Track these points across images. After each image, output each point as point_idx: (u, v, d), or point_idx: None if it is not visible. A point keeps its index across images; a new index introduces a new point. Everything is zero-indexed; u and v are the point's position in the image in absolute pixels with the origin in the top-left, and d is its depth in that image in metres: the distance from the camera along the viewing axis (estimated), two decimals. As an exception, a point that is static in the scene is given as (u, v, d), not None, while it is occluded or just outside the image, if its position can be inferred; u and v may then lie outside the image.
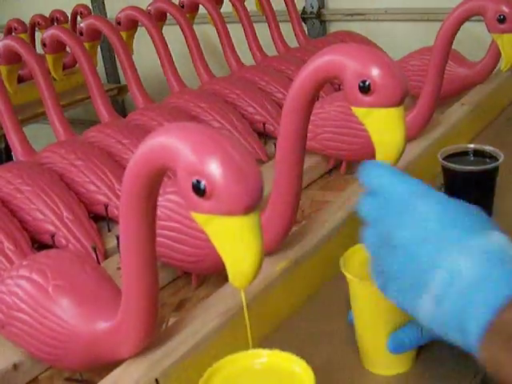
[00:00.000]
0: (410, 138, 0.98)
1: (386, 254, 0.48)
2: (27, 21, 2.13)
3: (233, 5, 1.58)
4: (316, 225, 0.78)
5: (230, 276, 0.44)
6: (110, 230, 0.93)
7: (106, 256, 0.87)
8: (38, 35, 1.84)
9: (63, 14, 2.15)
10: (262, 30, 1.62)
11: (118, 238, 0.80)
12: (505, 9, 0.91)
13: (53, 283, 0.60)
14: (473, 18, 0.95)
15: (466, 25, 0.96)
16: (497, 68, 1.21)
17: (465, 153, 0.83)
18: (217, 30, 1.49)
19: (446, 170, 0.81)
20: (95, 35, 1.30)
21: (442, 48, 0.95)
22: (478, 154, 0.82)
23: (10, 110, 1.08)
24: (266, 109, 1.20)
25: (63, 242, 0.86)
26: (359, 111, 0.57)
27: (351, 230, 0.79)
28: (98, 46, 1.40)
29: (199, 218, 0.43)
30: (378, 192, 0.50)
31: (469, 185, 0.79)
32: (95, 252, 0.84)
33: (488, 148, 0.81)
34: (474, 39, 1.39)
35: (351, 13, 1.89)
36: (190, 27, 1.40)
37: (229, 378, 0.48)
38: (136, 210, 0.49)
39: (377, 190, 0.50)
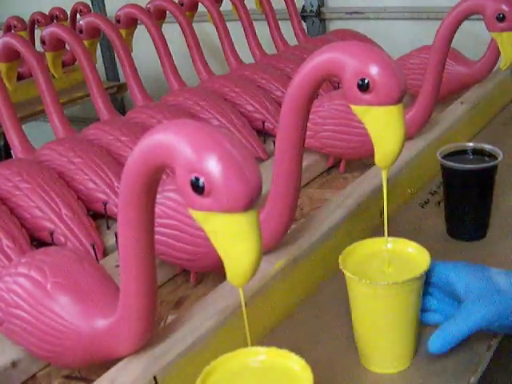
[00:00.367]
0: (409, 136, 0.98)
1: None
2: (27, 18, 2.13)
3: (232, 3, 1.58)
4: (315, 223, 0.78)
5: (229, 274, 0.44)
6: (108, 228, 0.93)
7: (105, 254, 0.87)
8: (38, 33, 1.83)
9: (63, 11, 2.15)
10: (262, 29, 1.62)
11: (116, 236, 0.80)
12: (504, 7, 0.91)
13: (51, 280, 0.60)
14: (472, 17, 0.95)
15: (466, 23, 0.96)
16: (496, 67, 1.21)
17: (464, 151, 0.83)
18: (216, 28, 1.49)
19: (445, 168, 0.81)
20: (95, 33, 1.30)
21: (441, 47, 0.95)
22: (477, 152, 0.82)
23: (9, 107, 1.07)
24: (266, 107, 1.19)
25: (62, 239, 0.86)
26: (358, 109, 0.57)
27: (350, 228, 0.79)
28: (98, 44, 1.39)
29: (197, 215, 0.43)
30: None
31: (468, 183, 0.79)
32: (94, 250, 0.84)
33: (487, 146, 0.82)
34: (473, 38, 1.39)
35: (351, 11, 1.89)
36: (189, 25, 1.40)
37: (227, 376, 0.49)
38: (134, 207, 0.49)
39: None
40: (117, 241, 0.81)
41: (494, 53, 1.16)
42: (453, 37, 0.95)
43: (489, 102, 1.19)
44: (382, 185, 0.60)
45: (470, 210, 0.81)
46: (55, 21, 2.11)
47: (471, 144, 0.83)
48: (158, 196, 0.72)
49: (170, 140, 0.43)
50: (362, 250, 0.63)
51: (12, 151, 1.10)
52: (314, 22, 1.94)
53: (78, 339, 0.58)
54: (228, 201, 0.41)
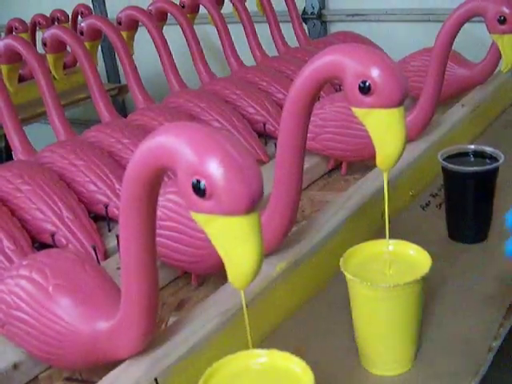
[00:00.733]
0: (410, 139, 0.98)
1: None
2: (28, 20, 2.13)
3: (233, 5, 1.58)
4: (316, 225, 0.78)
5: (230, 276, 0.44)
6: (110, 230, 0.93)
7: (106, 256, 0.87)
8: (39, 35, 1.84)
9: (64, 13, 2.15)
10: (263, 31, 1.62)
11: (118, 238, 0.80)
12: (505, 10, 0.91)
13: (53, 283, 0.60)
14: (473, 19, 0.95)
15: (467, 26, 0.96)
16: (497, 69, 1.21)
17: (465, 154, 0.83)
18: (217, 30, 1.49)
19: (446, 170, 0.81)
20: (96, 35, 1.30)
21: (443, 49, 0.95)
22: (478, 154, 0.82)
23: (10, 109, 1.08)
24: (267, 109, 1.20)
25: (63, 241, 0.86)
26: (359, 112, 0.57)
27: (351, 230, 0.79)
28: (99, 46, 1.40)
29: (199, 218, 0.43)
30: None
31: (469, 186, 0.79)
32: (95, 252, 0.84)
33: (488, 149, 0.81)
34: (474, 40, 1.39)
35: (352, 13, 1.89)
36: (190, 27, 1.40)
37: (228, 378, 0.49)
38: (136, 210, 0.49)
39: None
40: (118, 243, 0.81)
41: (495, 55, 1.16)
42: (454, 39, 0.95)
43: (490, 105, 1.19)
44: (383, 187, 0.60)
45: (471, 212, 0.81)
46: (56, 23, 2.12)
47: (472, 146, 0.83)
48: (159, 198, 0.72)
49: (172, 143, 0.43)
50: (363, 252, 0.63)
51: (13, 153, 1.10)
52: (315, 24, 1.94)
53: (79, 341, 0.58)
54: (229, 203, 0.41)
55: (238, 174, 0.41)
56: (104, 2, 2.48)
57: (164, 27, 1.49)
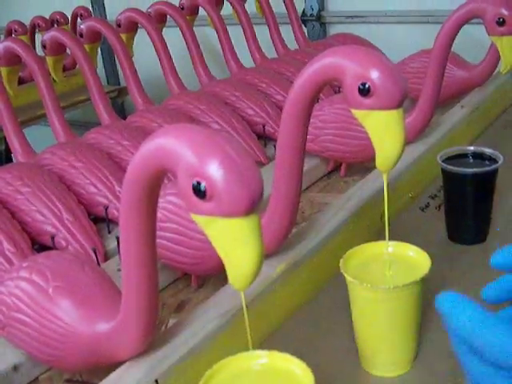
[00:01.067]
0: (409, 140, 0.99)
1: None
2: (27, 22, 2.13)
3: (233, 7, 1.58)
4: (316, 227, 0.78)
5: (230, 278, 0.44)
6: (110, 232, 0.93)
7: (106, 258, 0.87)
8: (39, 37, 1.84)
9: (63, 15, 2.16)
10: (262, 33, 1.63)
11: (118, 240, 0.80)
12: (504, 11, 0.91)
13: (53, 284, 0.60)
14: (472, 21, 0.95)
15: (466, 27, 0.96)
16: (496, 70, 1.21)
17: (464, 155, 0.83)
18: (217, 32, 1.50)
19: (445, 172, 0.81)
20: (95, 37, 1.30)
21: (442, 51, 0.95)
22: (478, 156, 0.82)
23: (10, 111, 1.08)
24: (266, 111, 1.20)
25: (63, 243, 0.86)
26: (359, 113, 0.57)
27: (351, 231, 0.79)
28: (98, 48, 1.40)
29: (199, 219, 0.43)
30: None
31: (468, 187, 0.79)
32: (95, 253, 0.84)
33: (487, 150, 0.82)
34: (473, 42, 1.39)
35: (351, 15, 1.89)
36: (189, 29, 1.40)
37: (228, 379, 0.49)
38: (136, 211, 0.49)
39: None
40: (118, 245, 0.81)
41: (494, 57, 1.16)
42: (453, 41, 0.96)
43: (489, 106, 1.19)
44: (382, 188, 0.60)
45: (470, 213, 0.81)
46: (56, 25, 2.12)
47: (471, 148, 0.83)
48: (159, 200, 0.72)
49: (172, 144, 0.43)
50: (362, 253, 0.63)
51: (13, 155, 1.10)
52: (315, 26, 1.94)
53: (80, 343, 0.58)
54: (229, 205, 0.41)
55: (238, 175, 0.41)
56: (103, 4, 2.48)
57: (163, 29, 1.49)
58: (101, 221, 0.94)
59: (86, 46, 1.26)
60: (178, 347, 0.59)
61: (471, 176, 0.78)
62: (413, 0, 1.78)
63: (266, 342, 0.66)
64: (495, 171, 0.79)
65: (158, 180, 0.47)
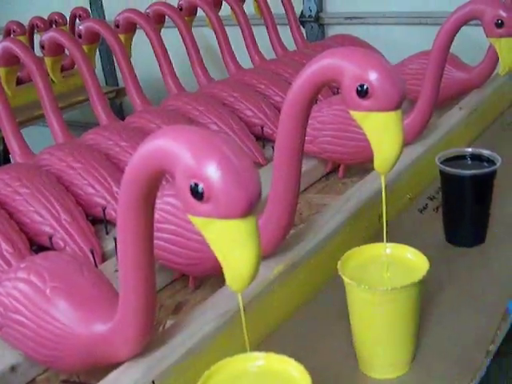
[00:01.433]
0: (407, 142, 0.98)
1: None
2: (26, 23, 2.13)
3: (231, 8, 1.58)
4: (314, 228, 0.78)
5: (228, 279, 0.44)
6: (107, 233, 0.93)
7: (104, 259, 0.87)
8: (37, 37, 1.84)
9: (62, 16, 2.15)
10: (261, 34, 1.63)
11: (115, 241, 0.80)
12: (502, 13, 0.91)
13: (50, 285, 0.60)
14: (471, 23, 0.95)
15: (465, 29, 0.96)
16: (495, 72, 1.21)
17: (462, 157, 0.83)
18: (215, 33, 1.50)
19: (443, 173, 0.81)
20: (94, 38, 1.30)
21: (440, 52, 0.95)
22: (476, 157, 0.82)
23: (8, 111, 1.08)
24: (264, 112, 1.20)
25: (61, 244, 0.86)
26: (357, 115, 0.57)
27: (349, 233, 0.79)
28: (97, 49, 1.40)
29: (197, 221, 0.43)
30: None
31: (466, 189, 0.79)
32: (92, 254, 0.84)
33: (485, 152, 0.82)
34: (472, 43, 1.39)
35: (349, 16, 1.89)
36: (188, 30, 1.40)
37: (226, 381, 0.49)
38: (134, 213, 0.49)
39: None
40: (116, 246, 0.81)
41: (493, 58, 1.16)
42: (451, 42, 0.96)
43: (487, 108, 1.19)
44: (380, 190, 0.60)
45: (468, 215, 0.81)
46: (54, 25, 2.12)
47: (469, 149, 0.83)
48: (157, 201, 0.72)
49: (170, 145, 0.43)
50: (360, 255, 0.63)
51: (11, 156, 1.10)
52: (313, 27, 1.94)
53: (77, 344, 0.58)
54: (227, 207, 0.41)
55: (235, 177, 0.41)
56: (102, 4, 2.48)
57: (162, 30, 1.49)
58: (99, 222, 0.94)
59: (85, 47, 1.26)
60: (176, 348, 0.59)
61: (469, 178, 0.78)
62: (412, 1, 1.78)
63: (264, 344, 0.66)
64: (493, 173, 0.79)
65: (155, 181, 0.47)
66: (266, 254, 0.70)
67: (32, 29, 2.13)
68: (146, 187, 0.47)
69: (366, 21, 1.87)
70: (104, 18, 2.43)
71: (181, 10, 1.55)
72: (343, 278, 0.59)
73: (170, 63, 1.35)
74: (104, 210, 0.92)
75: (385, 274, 0.61)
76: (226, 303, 0.64)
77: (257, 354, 0.50)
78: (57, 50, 1.22)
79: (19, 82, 1.68)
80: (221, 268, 0.44)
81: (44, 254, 0.67)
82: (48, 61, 1.25)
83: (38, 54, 1.23)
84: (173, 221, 0.73)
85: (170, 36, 1.52)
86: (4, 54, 1.14)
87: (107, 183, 0.94)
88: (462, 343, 0.65)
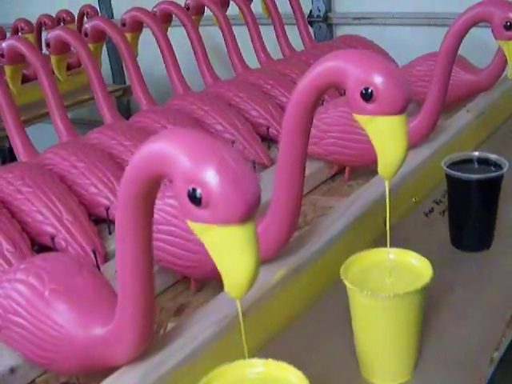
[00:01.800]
0: (413, 145, 0.98)
1: None
2: (34, 20, 2.13)
3: (239, 7, 1.57)
4: (317, 232, 0.77)
5: (226, 286, 0.43)
6: (110, 233, 0.92)
7: (107, 259, 0.86)
8: (45, 35, 1.83)
9: (70, 14, 2.15)
10: (269, 33, 1.62)
11: (117, 242, 0.79)
12: (511, 16, 0.90)
13: (49, 287, 0.60)
14: (481, 24, 0.94)
15: (474, 31, 0.95)
16: (503, 75, 1.20)
17: (469, 161, 0.82)
18: (222, 32, 1.49)
19: (449, 177, 0.80)
20: (100, 36, 1.30)
21: (448, 54, 0.94)
22: (483, 162, 0.81)
23: (12, 110, 1.07)
24: (270, 112, 1.19)
25: (63, 244, 0.85)
26: (361, 118, 0.56)
27: (353, 237, 0.78)
28: (104, 47, 1.39)
29: (195, 226, 0.42)
30: None
31: (472, 193, 0.78)
32: (95, 255, 0.84)
33: (493, 156, 0.81)
34: (481, 45, 1.38)
35: (358, 16, 1.88)
36: (195, 29, 1.40)
37: (224, 387, 0.48)
38: (132, 215, 0.48)
39: None
40: (118, 246, 0.80)
41: (501, 61, 1.15)
42: (459, 44, 0.94)
43: (495, 111, 1.18)
44: (385, 194, 0.60)
45: (474, 220, 0.80)
46: (62, 23, 2.12)
47: (476, 153, 0.82)
48: (158, 202, 0.71)
49: (169, 149, 0.42)
50: (363, 260, 0.62)
51: (15, 154, 1.10)
52: (321, 27, 1.93)
53: (75, 346, 0.58)
54: (225, 213, 0.40)
55: (234, 182, 0.40)
56: (110, 2, 2.47)
57: (169, 28, 1.49)
58: (102, 222, 0.94)
59: (91, 45, 1.26)
60: (175, 353, 0.58)
61: (475, 182, 0.77)
62: (421, 2, 1.77)
63: (265, 348, 0.65)
64: (500, 178, 0.78)
65: (154, 184, 0.47)
66: (267, 258, 0.69)
67: (40, 27, 2.13)
68: (144, 190, 0.46)
69: (374, 21, 1.85)
70: (112, 16, 2.43)
71: (188, 9, 1.54)
72: (345, 283, 0.58)
73: (176, 63, 1.34)
74: (107, 210, 0.92)
75: (388, 280, 0.60)
76: (227, 307, 0.63)
77: (256, 360, 0.49)
78: (62, 48, 1.22)
79: (27, 79, 1.68)
80: (221, 271, 0.44)
81: (44, 255, 0.67)
82: (53, 59, 1.24)
83: (46, 53, 1.22)
84: (174, 222, 0.72)
85: (177, 35, 1.51)
86: (9, 52, 1.13)
87: (110, 183, 0.93)
88: (465, 350, 0.64)
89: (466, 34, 0.94)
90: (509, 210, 0.87)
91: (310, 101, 0.59)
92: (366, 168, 1.05)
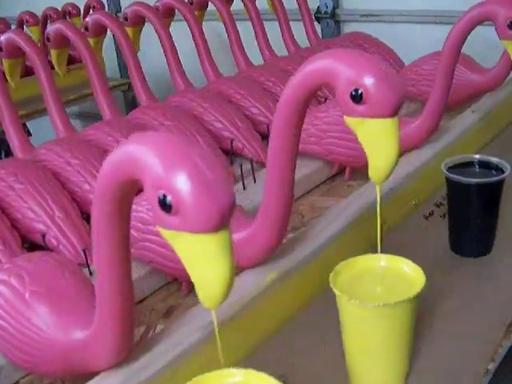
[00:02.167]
0: (415, 146, 0.96)
1: None
2: (40, 13, 2.12)
3: (243, 3, 1.55)
4: (311, 233, 0.75)
5: (200, 296, 0.41)
6: (103, 231, 0.91)
7: (98, 258, 0.85)
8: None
9: (76, 7, 2.14)
10: (274, 29, 1.60)
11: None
12: (516, 15, 0.88)
13: (30, 289, 0.58)
14: (487, 23, 0.92)
15: (480, 29, 0.93)
16: (510, 75, 1.17)
17: (470, 164, 0.80)
18: (226, 28, 1.46)
19: (449, 181, 0.78)
20: (100, 30, 1.28)
21: (451, 53, 0.92)
22: (484, 165, 0.79)
23: (9, 105, 1.06)
24: (271, 110, 1.17)
25: (54, 242, 0.84)
26: (351, 121, 0.54)
27: (348, 239, 0.76)
28: (112, 41, 1.37)
29: (166, 234, 0.40)
30: None
31: (472, 197, 0.76)
32: (85, 254, 0.82)
33: (494, 159, 0.78)
34: (487, 44, 1.35)
35: (366, 13, 1.86)
36: (198, 25, 1.37)
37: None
38: (107, 221, 0.46)
39: None
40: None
41: (508, 61, 1.12)
42: (463, 43, 0.92)
43: (501, 112, 1.15)
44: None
45: (475, 225, 0.77)
46: (68, 17, 2.10)
47: (477, 156, 0.80)
48: (147, 202, 0.69)
49: (139, 153, 0.40)
50: (354, 266, 0.60)
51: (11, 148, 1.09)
52: (329, 23, 1.91)
53: (55, 350, 0.56)
54: (197, 221, 0.38)
55: (206, 189, 0.38)
56: (118, -4, 2.46)
57: (172, 23, 1.47)
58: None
59: (91, 40, 1.24)
60: (157, 358, 0.56)
61: (475, 186, 0.75)
62: (429, 0, 1.74)
63: (253, 353, 0.64)
64: (501, 182, 0.75)
65: (128, 189, 0.44)
66: (257, 262, 0.67)
67: (45, 19, 2.12)
68: (118, 195, 0.44)
69: (382, 18, 1.83)
70: (120, 11, 2.41)
71: (191, 3, 1.52)
72: (334, 290, 0.56)
73: (177, 59, 1.32)
74: (100, 208, 0.90)
75: (378, 288, 0.58)
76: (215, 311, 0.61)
77: (235, 370, 0.47)
78: (62, 42, 1.20)
79: (28, 73, 1.66)
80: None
81: (28, 255, 0.66)
82: (53, 53, 1.23)
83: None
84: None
85: (180, 29, 1.49)
86: (7, 46, 1.12)
87: (104, 180, 0.92)
88: (459, 360, 0.62)
89: (470, 33, 0.92)
90: (510, 215, 0.85)
91: (299, 101, 0.57)
92: (367, 168, 1.03)
